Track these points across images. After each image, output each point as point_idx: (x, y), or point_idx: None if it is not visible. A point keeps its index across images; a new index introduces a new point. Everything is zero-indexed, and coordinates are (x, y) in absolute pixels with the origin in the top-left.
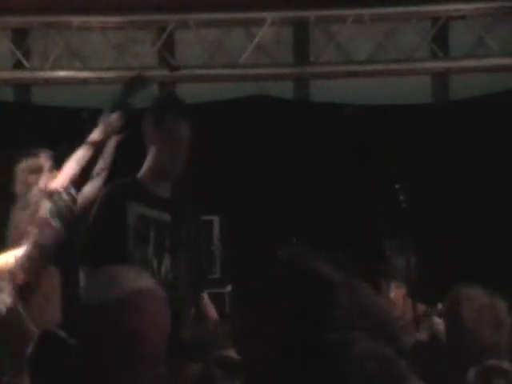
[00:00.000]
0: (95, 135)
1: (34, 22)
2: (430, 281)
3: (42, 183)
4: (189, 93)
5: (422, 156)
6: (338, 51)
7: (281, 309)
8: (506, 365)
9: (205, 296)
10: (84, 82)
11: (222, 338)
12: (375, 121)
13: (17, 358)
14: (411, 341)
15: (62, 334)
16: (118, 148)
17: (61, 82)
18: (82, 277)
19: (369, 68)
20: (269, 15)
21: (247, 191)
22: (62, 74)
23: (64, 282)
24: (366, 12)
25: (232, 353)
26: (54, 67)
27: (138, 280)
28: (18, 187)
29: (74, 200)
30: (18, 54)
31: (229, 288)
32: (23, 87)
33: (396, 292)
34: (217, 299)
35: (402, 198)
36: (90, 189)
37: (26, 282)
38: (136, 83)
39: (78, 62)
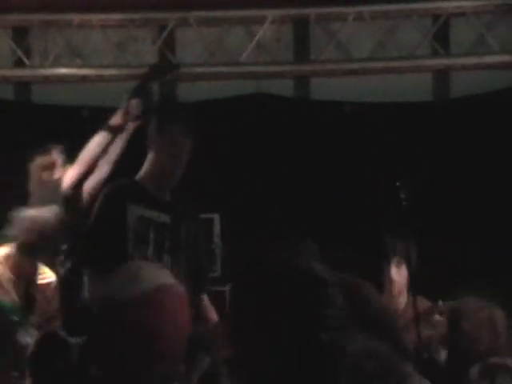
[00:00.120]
0: (114, 120)
1: (35, 20)
2: (430, 278)
3: (56, 176)
4: (189, 91)
5: (422, 153)
6: (339, 49)
7: (278, 308)
8: (509, 362)
9: (205, 298)
10: (84, 79)
11: (222, 339)
12: (376, 118)
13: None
14: (413, 339)
15: (63, 334)
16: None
17: (61, 80)
18: (85, 278)
19: (369, 66)
20: (269, 13)
21: (248, 189)
22: (62, 71)
23: (64, 282)
24: (366, 9)
25: None
26: (55, 65)
27: (159, 277)
28: (32, 185)
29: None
30: (19, 52)
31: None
32: (23, 85)
33: (397, 271)
34: (218, 297)
35: (402, 195)
36: (92, 183)
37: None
38: (157, 71)
39: (78, 60)
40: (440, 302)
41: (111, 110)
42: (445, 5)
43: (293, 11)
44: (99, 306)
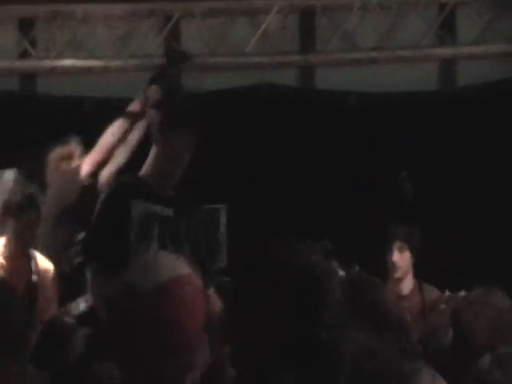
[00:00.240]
0: (133, 106)
1: (40, 12)
2: (436, 269)
3: (73, 165)
4: (194, 81)
5: (428, 143)
6: (345, 39)
7: (277, 307)
8: None
9: (211, 291)
10: (89, 71)
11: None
12: (382, 108)
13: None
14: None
15: (70, 322)
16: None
17: (66, 72)
18: (88, 273)
19: (375, 56)
20: (275, 3)
21: (253, 180)
22: (67, 63)
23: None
24: None
25: None
26: (60, 57)
27: (177, 268)
28: (49, 175)
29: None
30: (25, 43)
31: None
32: (29, 77)
33: (400, 256)
34: (223, 288)
35: (407, 186)
36: (108, 172)
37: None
38: (177, 58)
39: (83, 52)
40: (446, 292)
41: (116, 101)
42: None
43: (298, 1)
44: (115, 296)
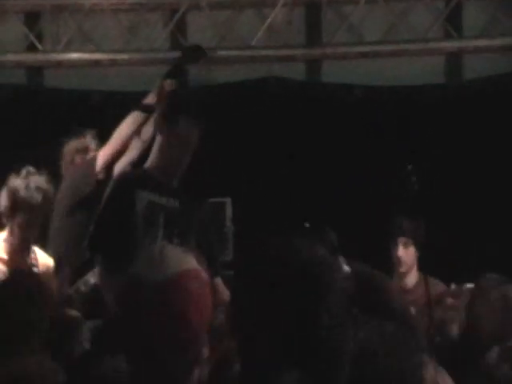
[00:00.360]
0: (148, 99)
1: (47, 5)
2: (442, 262)
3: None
4: (200, 74)
5: (434, 136)
6: (351, 32)
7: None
8: None
9: (219, 281)
10: (96, 64)
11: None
12: (388, 102)
13: None
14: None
15: (76, 314)
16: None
17: (73, 65)
18: (95, 265)
19: (381, 49)
20: None
21: (259, 173)
22: (74, 56)
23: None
24: None
25: None
26: (67, 50)
27: (184, 262)
28: (65, 167)
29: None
30: (32, 37)
31: None
32: (36, 70)
33: (404, 250)
34: (230, 281)
35: (413, 179)
36: (123, 164)
37: None
38: (193, 52)
39: (90, 45)
40: (453, 285)
41: (123, 95)
42: None
43: None
44: (122, 288)
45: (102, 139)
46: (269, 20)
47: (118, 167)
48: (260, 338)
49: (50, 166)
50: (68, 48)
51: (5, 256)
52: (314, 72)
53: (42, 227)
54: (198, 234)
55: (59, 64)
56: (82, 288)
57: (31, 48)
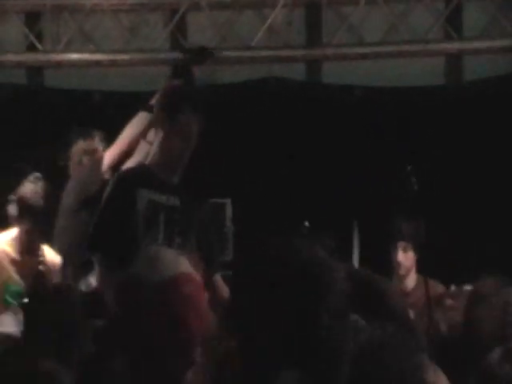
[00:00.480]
0: (154, 100)
1: (47, 5)
2: (441, 263)
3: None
4: (206, 75)
5: (434, 138)
6: (351, 33)
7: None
8: None
9: (219, 279)
10: (96, 64)
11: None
12: (388, 103)
13: None
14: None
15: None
16: None
17: (73, 65)
18: (95, 264)
19: (381, 49)
20: None
21: (259, 174)
22: (74, 56)
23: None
24: None
25: None
26: (67, 50)
27: (179, 265)
28: (72, 168)
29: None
30: (31, 37)
31: None
32: (36, 70)
33: (404, 253)
34: (229, 281)
35: (413, 180)
36: (131, 165)
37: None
38: (200, 53)
39: (90, 45)
40: (452, 287)
41: (123, 95)
42: None
43: None
44: (121, 287)
45: (104, 139)
46: (269, 20)
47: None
48: (260, 337)
49: (50, 167)
50: (68, 48)
51: (15, 256)
52: (314, 73)
53: (50, 228)
54: (198, 233)
55: (59, 64)
56: (83, 288)
57: (31, 48)
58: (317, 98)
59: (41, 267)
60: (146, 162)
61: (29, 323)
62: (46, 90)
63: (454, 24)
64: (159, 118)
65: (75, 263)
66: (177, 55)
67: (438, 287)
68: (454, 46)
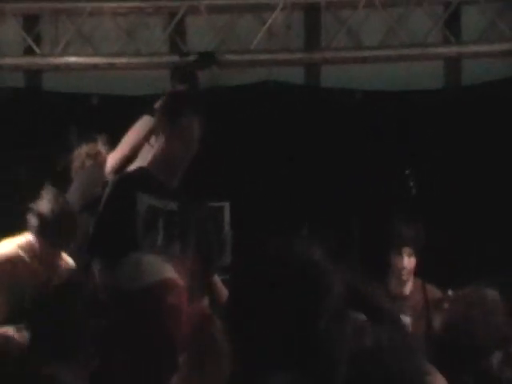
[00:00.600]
0: (158, 104)
1: (45, 8)
2: (440, 267)
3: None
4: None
5: (433, 141)
6: (350, 36)
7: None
8: None
9: (218, 281)
10: (95, 67)
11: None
12: (387, 106)
13: None
14: (423, 327)
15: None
16: None
17: (71, 68)
18: (94, 267)
19: (380, 53)
20: (280, 0)
21: (258, 177)
22: (72, 59)
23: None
24: None
25: None
26: (65, 53)
27: (161, 271)
28: (75, 171)
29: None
30: (29, 40)
31: None
32: (34, 73)
33: (404, 258)
34: (228, 284)
35: (411, 183)
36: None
37: None
38: (204, 59)
39: (88, 48)
40: (450, 291)
41: (121, 98)
42: None
43: None
44: (109, 294)
45: (106, 143)
46: (268, 24)
47: None
48: (259, 338)
49: (49, 170)
50: (66, 51)
51: (28, 260)
52: (312, 76)
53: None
54: (197, 235)
55: (57, 67)
56: (84, 288)
57: (29, 51)
58: (316, 102)
59: (52, 276)
60: (146, 164)
61: (32, 325)
62: (44, 93)
63: (452, 28)
64: (161, 121)
65: (78, 265)
66: (175, 59)
67: (434, 291)
68: (452, 49)
